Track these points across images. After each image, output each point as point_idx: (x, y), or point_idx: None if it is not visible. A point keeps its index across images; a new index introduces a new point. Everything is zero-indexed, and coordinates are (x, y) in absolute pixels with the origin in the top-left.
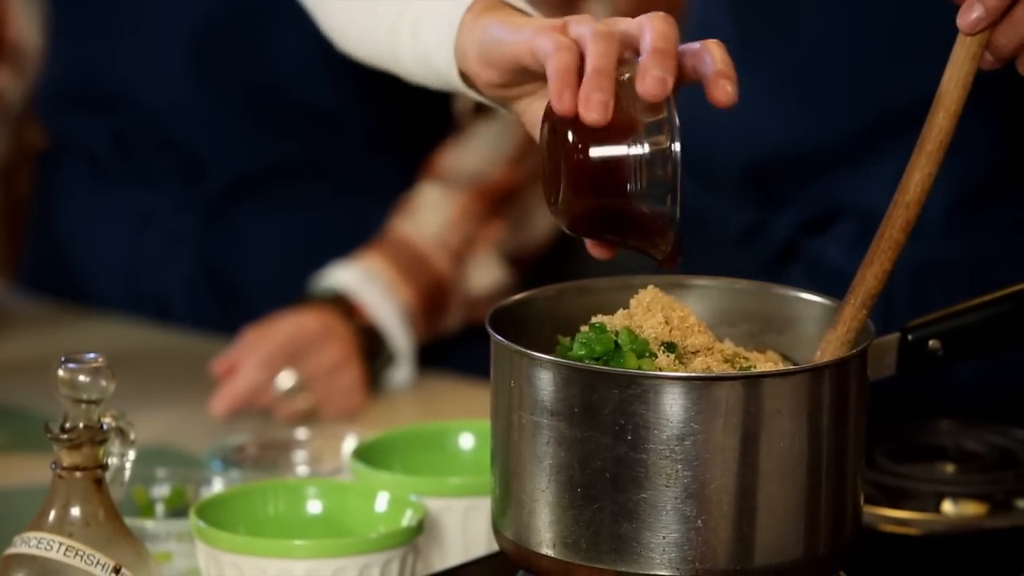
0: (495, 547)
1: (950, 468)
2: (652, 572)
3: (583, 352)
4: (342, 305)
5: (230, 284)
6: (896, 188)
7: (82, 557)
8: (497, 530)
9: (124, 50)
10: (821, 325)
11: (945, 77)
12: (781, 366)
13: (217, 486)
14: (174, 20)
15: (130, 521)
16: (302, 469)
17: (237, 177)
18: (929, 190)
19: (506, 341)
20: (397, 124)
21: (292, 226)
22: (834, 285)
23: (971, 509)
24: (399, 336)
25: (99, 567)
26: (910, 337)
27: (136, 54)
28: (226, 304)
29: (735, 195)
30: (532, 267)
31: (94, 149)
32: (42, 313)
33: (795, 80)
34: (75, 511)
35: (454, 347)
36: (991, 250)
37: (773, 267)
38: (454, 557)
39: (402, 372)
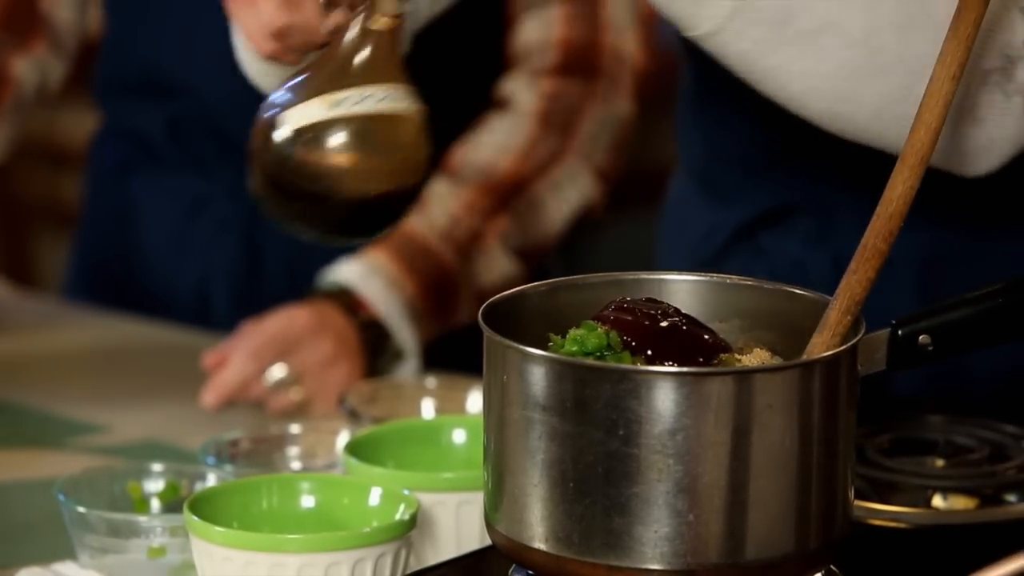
0: (488, 541)
1: (940, 462)
2: (644, 566)
3: (575, 348)
4: (345, 300)
5: (278, 272)
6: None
7: None
8: (490, 524)
9: (177, 38)
10: (811, 320)
11: (926, 94)
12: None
13: (211, 481)
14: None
15: (124, 516)
16: (295, 464)
17: None
18: (911, 202)
19: (499, 336)
20: (444, 111)
21: None
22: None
23: (961, 503)
24: (403, 331)
25: None
26: (900, 332)
27: (189, 43)
28: (267, 293)
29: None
30: (544, 260)
31: (147, 135)
32: (39, 310)
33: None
34: None
35: (448, 342)
36: (941, 248)
37: (725, 258)
38: (447, 551)
39: (407, 367)
